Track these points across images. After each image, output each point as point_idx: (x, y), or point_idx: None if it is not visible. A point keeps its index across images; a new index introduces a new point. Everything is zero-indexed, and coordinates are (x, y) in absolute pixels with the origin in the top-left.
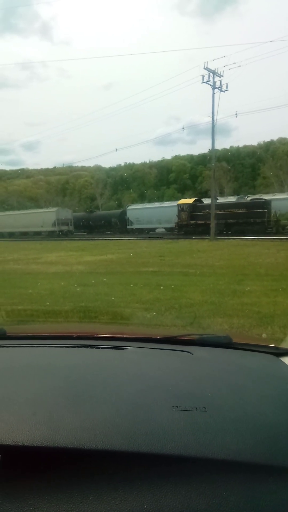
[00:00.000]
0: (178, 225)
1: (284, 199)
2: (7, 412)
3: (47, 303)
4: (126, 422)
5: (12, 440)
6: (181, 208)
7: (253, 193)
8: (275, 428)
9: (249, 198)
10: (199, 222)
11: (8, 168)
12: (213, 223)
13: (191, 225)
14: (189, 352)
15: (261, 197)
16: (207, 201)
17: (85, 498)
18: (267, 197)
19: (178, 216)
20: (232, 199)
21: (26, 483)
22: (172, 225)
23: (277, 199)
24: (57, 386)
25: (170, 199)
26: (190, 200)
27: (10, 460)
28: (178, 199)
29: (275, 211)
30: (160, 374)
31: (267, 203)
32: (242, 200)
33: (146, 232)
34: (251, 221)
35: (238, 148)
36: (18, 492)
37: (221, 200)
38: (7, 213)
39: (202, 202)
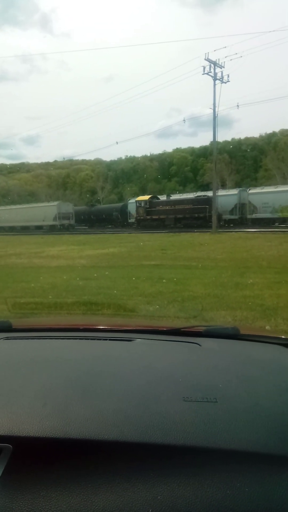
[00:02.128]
0: (137, 220)
1: (226, 195)
2: (17, 403)
3: (50, 297)
4: (137, 413)
5: (23, 431)
6: (139, 204)
7: (255, 186)
8: (287, 418)
9: (195, 195)
10: (154, 217)
11: (8, 162)
12: (214, 216)
13: (148, 220)
14: (197, 344)
15: (206, 194)
16: (163, 197)
17: (97, 489)
18: (210, 194)
19: (137, 211)
20: (183, 196)
21: (38, 475)
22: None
23: (220, 196)
24: (66, 378)
25: (171, 192)
26: (146, 197)
27: (21, 451)
28: (180, 192)
29: (216, 206)
30: (168, 365)
31: (209, 199)
32: (189, 197)
33: None
34: (195, 215)
35: (239, 140)
36: (30, 484)
37: (174, 197)
38: (8, 207)
39: (158, 198)
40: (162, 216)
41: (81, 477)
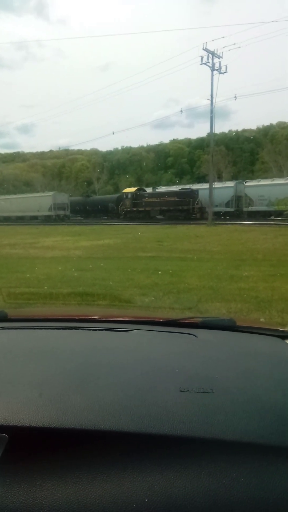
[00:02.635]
0: (123, 211)
1: (222, 187)
2: (13, 393)
3: (45, 287)
4: (134, 403)
5: (18, 421)
6: (125, 196)
7: (252, 178)
8: (284, 410)
9: (179, 188)
10: (140, 208)
11: (3, 151)
12: (211, 209)
13: (134, 211)
14: (193, 335)
15: (190, 187)
16: (149, 190)
17: (93, 479)
18: (194, 187)
19: (123, 203)
20: (168, 188)
21: (34, 464)
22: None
23: (204, 189)
24: (62, 368)
25: (168, 183)
26: (133, 189)
27: (17, 441)
28: (176, 184)
29: (199, 199)
30: (165, 356)
31: (193, 192)
32: (174, 189)
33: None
34: (179, 208)
35: (237, 132)
36: (26, 473)
37: (160, 189)
38: (3, 197)
39: (144, 191)
40: (147, 208)
41: (77, 466)
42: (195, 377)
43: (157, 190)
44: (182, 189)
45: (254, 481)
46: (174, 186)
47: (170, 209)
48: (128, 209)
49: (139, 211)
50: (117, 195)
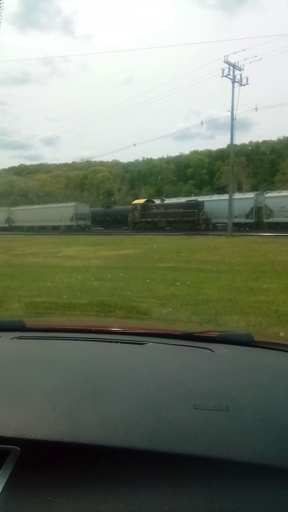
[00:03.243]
0: (132, 222)
1: (242, 199)
2: (26, 405)
3: (65, 297)
4: (147, 419)
5: (31, 434)
6: (134, 207)
7: (272, 189)
8: None
9: (186, 200)
10: (148, 219)
11: (28, 163)
12: (230, 220)
13: (143, 222)
14: (210, 350)
15: (196, 199)
16: (158, 201)
17: (104, 497)
18: (200, 198)
19: (132, 214)
20: (175, 200)
21: (45, 479)
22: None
23: (210, 200)
24: (76, 380)
25: (188, 194)
26: (142, 201)
27: (29, 454)
28: (196, 194)
29: (204, 210)
30: (180, 371)
31: (198, 204)
32: (180, 201)
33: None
34: (185, 219)
35: (257, 143)
36: (37, 488)
37: (167, 201)
38: (27, 207)
39: (153, 202)
40: (155, 219)
41: (88, 483)
42: (210, 394)
43: (164, 201)
44: (188, 201)
45: (269, 505)
46: (181, 198)
47: (177, 220)
48: (137, 220)
49: (148, 222)
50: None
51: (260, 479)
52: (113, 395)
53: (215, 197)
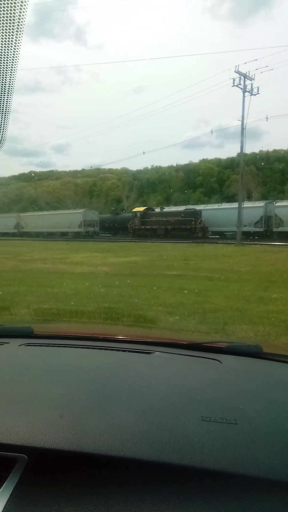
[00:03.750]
0: (132, 229)
1: (252, 207)
2: (34, 413)
3: (72, 303)
4: (154, 430)
5: (38, 442)
6: (134, 215)
7: (282, 198)
8: None
9: (184, 208)
10: (148, 227)
11: (38, 169)
12: (239, 228)
13: (142, 229)
14: (218, 360)
15: (193, 207)
16: (157, 209)
17: (111, 507)
18: (198, 207)
19: (132, 221)
20: (174, 208)
21: (51, 488)
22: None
23: (208, 209)
24: (83, 388)
25: (196, 202)
26: (141, 208)
27: (36, 462)
28: (204, 203)
29: (201, 219)
30: (188, 381)
31: (196, 213)
32: (179, 209)
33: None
34: (183, 227)
35: (267, 153)
36: (43, 497)
37: (166, 209)
38: (36, 213)
39: (153, 210)
40: (154, 227)
41: (94, 493)
42: (218, 406)
43: (164, 209)
44: (186, 209)
45: None
46: (180, 207)
47: (175, 228)
48: (137, 227)
49: (147, 229)
50: None
51: (269, 494)
52: (120, 404)
53: (225, 205)
